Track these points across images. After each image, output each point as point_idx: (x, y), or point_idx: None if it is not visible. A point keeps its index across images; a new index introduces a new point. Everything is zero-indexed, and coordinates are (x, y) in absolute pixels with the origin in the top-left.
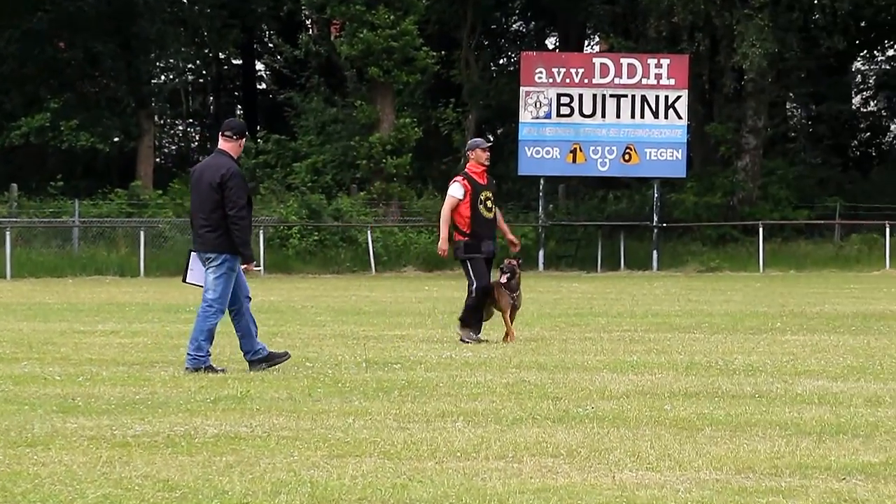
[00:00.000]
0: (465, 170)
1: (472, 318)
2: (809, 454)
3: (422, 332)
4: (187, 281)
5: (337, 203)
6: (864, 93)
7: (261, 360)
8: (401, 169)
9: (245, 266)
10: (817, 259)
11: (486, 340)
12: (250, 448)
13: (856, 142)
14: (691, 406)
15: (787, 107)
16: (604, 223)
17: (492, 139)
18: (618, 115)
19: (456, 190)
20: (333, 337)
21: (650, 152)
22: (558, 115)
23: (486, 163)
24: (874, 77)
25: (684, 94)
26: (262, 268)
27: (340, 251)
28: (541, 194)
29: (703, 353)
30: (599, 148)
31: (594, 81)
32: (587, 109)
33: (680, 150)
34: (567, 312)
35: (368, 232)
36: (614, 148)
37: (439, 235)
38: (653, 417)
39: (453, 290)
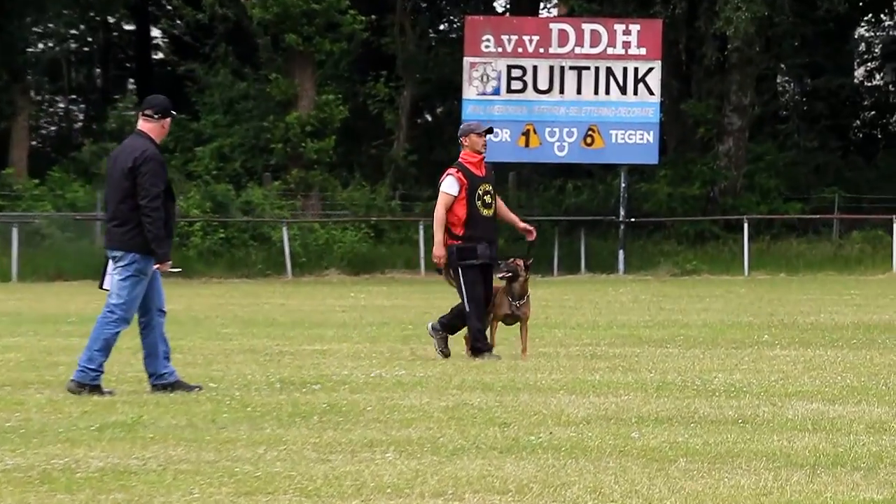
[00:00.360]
0: (459, 160)
1: (483, 340)
2: (801, 490)
3: (346, 346)
4: (104, 287)
5: (247, 194)
6: (869, 64)
7: (165, 385)
8: (323, 154)
9: (159, 265)
10: (812, 260)
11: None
12: (142, 484)
13: (858, 122)
14: (663, 433)
15: (778, 81)
16: (561, 218)
17: (431, 114)
18: (578, 91)
19: (450, 185)
20: (242, 352)
21: (616, 135)
22: (508, 90)
23: (483, 150)
24: (880, 46)
25: (657, 65)
26: (180, 268)
27: (251, 251)
28: None
29: (677, 371)
30: (557, 129)
31: (551, 51)
32: (542, 84)
33: (651, 133)
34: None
35: (284, 228)
36: (574, 129)
37: (435, 239)
38: (618, 447)
39: (383, 298)
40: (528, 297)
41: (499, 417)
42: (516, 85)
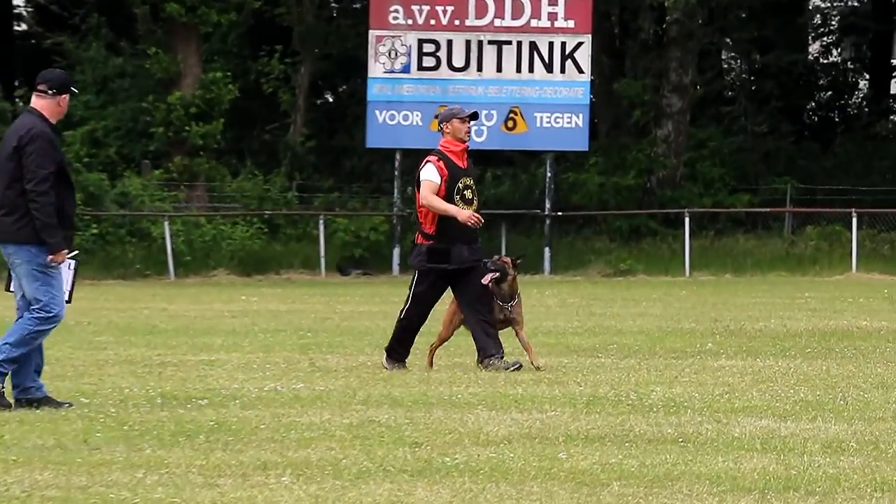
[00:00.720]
0: (439, 147)
1: (402, 351)
2: None
3: (237, 356)
4: (10, 290)
5: (123, 185)
6: (825, 39)
7: (31, 401)
8: (209, 139)
9: (52, 257)
10: (761, 259)
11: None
12: None
13: (813, 104)
14: (594, 454)
15: (723, 57)
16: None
17: (332, 95)
18: (499, 69)
19: (432, 172)
20: (118, 363)
21: (542, 118)
22: (420, 67)
23: (468, 139)
24: (837, 18)
25: (587, 40)
26: (79, 252)
27: (128, 249)
28: (396, 174)
29: (609, 384)
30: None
31: (468, 23)
32: (458, 60)
33: (581, 115)
34: (430, 330)
35: (166, 223)
36: (494, 112)
37: (449, 213)
38: (543, 469)
39: (278, 301)
40: (518, 297)
41: (409, 436)
42: (428, 62)
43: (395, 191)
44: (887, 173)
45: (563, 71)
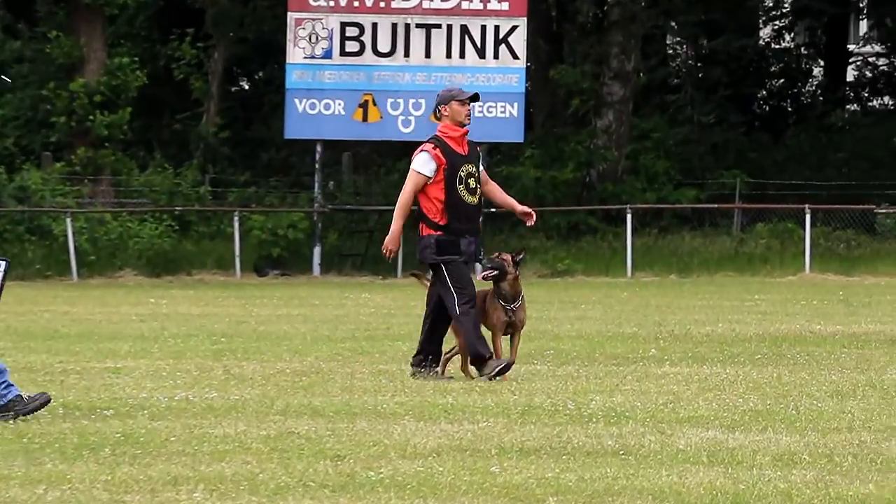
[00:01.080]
0: (437, 133)
1: (484, 345)
2: None
3: (145, 363)
4: None
5: (22, 179)
6: (777, 22)
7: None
8: (115, 129)
9: None
10: (708, 258)
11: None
12: None
13: (764, 92)
14: (529, 467)
15: (668, 42)
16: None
17: (248, 81)
18: (427, 55)
19: (423, 163)
20: (16, 371)
21: (473, 107)
22: (343, 53)
23: (468, 122)
24: (790, 0)
25: (522, 23)
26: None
27: (27, 247)
28: (317, 167)
29: (545, 393)
30: (401, 101)
31: (394, 5)
32: (384, 45)
33: (515, 105)
34: (354, 335)
35: (68, 220)
36: (422, 101)
37: (392, 227)
38: (475, 483)
39: (190, 304)
40: (522, 299)
41: (331, 449)
42: (352, 46)
43: (316, 185)
44: (843, 167)
45: (496, 57)
